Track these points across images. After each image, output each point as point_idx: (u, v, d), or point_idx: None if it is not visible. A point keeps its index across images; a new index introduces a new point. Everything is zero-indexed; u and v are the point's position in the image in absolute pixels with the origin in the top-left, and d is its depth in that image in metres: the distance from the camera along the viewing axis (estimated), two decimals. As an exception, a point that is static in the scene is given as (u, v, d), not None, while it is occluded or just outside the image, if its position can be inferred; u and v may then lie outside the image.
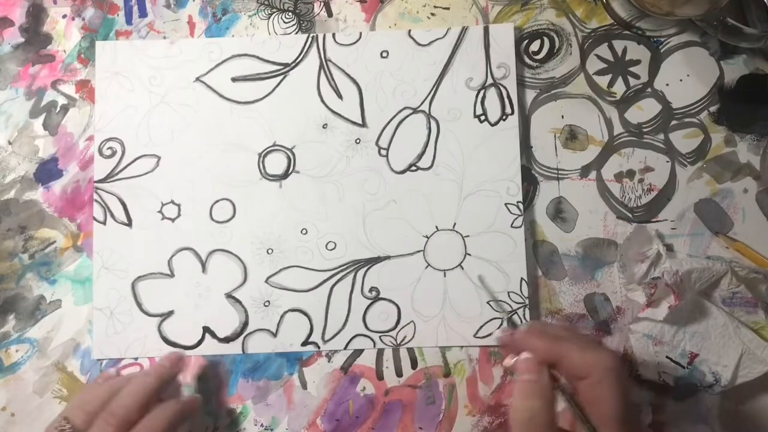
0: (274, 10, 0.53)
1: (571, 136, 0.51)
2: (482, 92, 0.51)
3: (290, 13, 0.53)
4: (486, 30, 0.51)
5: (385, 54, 0.51)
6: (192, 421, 0.48)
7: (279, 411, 0.49)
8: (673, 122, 0.51)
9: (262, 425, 0.49)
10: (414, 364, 0.49)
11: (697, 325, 0.47)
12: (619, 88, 0.52)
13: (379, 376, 0.49)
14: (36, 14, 0.54)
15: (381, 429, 0.49)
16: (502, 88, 0.51)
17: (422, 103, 0.51)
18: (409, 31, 0.52)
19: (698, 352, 0.47)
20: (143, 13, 0.53)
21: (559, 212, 0.50)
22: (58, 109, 0.53)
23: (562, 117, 0.51)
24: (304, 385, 0.49)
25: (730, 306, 0.48)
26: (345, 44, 0.52)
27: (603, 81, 0.52)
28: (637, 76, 0.52)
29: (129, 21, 0.53)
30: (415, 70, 0.51)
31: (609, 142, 0.51)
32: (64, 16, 0.54)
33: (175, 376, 0.47)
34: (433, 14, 0.53)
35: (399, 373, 0.49)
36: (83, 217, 0.51)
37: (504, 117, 0.50)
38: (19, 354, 0.50)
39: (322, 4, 0.53)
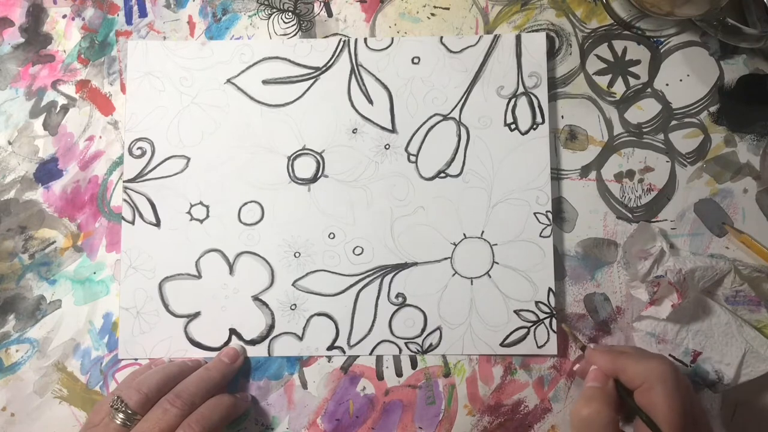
0: (274, 10, 0.53)
1: (571, 136, 0.51)
2: (513, 101, 0.51)
3: (290, 13, 0.53)
4: (518, 38, 0.51)
5: (416, 60, 0.51)
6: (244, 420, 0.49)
7: (279, 411, 0.49)
8: (673, 122, 0.51)
9: (262, 425, 0.49)
10: (414, 364, 0.49)
11: (700, 324, 0.47)
12: (619, 88, 0.52)
13: (379, 376, 0.49)
14: (36, 14, 0.54)
15: (381, 429, 0.49)
16: (533, 97, 0.51)
17: (452, 110, 0.51)
18: (441, 37, 0.52)
19: (701, 350, 0.47)
20: (143, 13, 0.54)
21: (559, 212, 0.50)
22: (58, 109, 0.53)
23: (562, 117, 0.51)
24: (304, 385, 0.49)
25: (733, 304, 0.48)
26: (376, 49, 0.52)
27: (603, 81, 0.52)
28: (637, 76, 0.52)
29: (129, 21, 0.53)
30: (447, 77, 0.51)
31: (609, 142, 0.51)
32: (64, 16, 0.54)
33: (235, 372, 0.48)
34: (433, 14, 0.53)
35: (399, 373, 0.49)
36: (83, 217, 0.51)
37: (534, 126, 0.50)
38: (19, 354, 0.50)
39: (322, 4, 0.53)
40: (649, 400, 0.38)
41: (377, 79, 0.52)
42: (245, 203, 0.51)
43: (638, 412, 0.39)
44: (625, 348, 0.45)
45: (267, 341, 0.49)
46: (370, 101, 0.51)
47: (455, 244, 0.50)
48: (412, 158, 0.51)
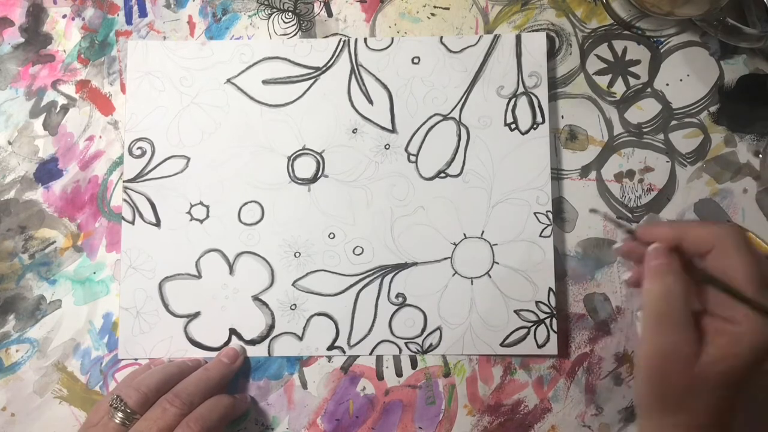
0: (274, 10, 0.53)
1: (571, 136, 0.51)
2: (513, 100, 0.51)
3: (290, 13, 0.53)
4: (518, 38, 0.51)
5: (416, 60, 0.51)
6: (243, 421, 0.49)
7: (279, 411, 0.49)
8: (673, 122, 0.51)
9: (262, 425, 0.49)
10: (414, 364, 0.49)
11: None
12: (619, 88, 0.52)
13: (379, 376, 0.49)
14: (36, 14, 0.54)
15: (381, 429, 0.49)
16: (533, 97, 0.51)
17: (452, 110, 0.51)
18: (441, 37, 0.52)
19: None
20: (143, 13, 0.54)
21: (559, 212, 0.50)
22: (58, 109, 0.53)
23: (562, 117, 0.51)
24: (304, 385, 0.49)
25: None
26: (376, 49, 0.52)
27: (603, 81, 0.52)
28: (637, 76, 0.52)
29: (129, 21, 0.53)
30: (447, 76, 0.51)
31: (609, 142, 0.51)
32: (64, 16, 0.54)
33: (234, 373, 0.48)
34: (433, 14, 0.53)
35: (399, 373, 0.49)
36: (83, 217, 0.51)
37: (535, 126, 0.50)
38: (19, 354, 0.50)
39: (322, 4, 0.53)
40: (725, 263, 0.35)
41: (377, 79, 0.52)
42: (245, 203, 0.51)
43: (710, 280, 0.35)
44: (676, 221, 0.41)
45: (267, 341, 0.49)
46: (370, 101, 0.51)
47: (455, 244, 0.50)
48: (412, 158, 0.51)
